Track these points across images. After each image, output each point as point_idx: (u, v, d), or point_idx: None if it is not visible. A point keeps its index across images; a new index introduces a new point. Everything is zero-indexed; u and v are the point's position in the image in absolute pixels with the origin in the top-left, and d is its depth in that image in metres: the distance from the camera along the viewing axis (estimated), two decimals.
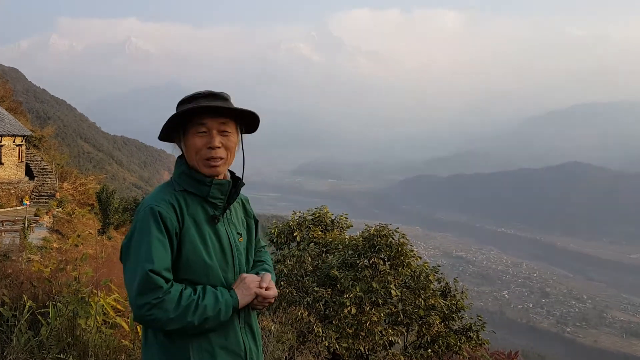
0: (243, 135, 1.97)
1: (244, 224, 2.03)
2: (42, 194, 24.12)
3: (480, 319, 7.90)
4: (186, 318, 1.66)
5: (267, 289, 1.87)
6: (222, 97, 1.86)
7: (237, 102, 1.94)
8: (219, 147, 1.83)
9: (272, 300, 1.90)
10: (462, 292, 8.07)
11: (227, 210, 1.93)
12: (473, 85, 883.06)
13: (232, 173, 1.98)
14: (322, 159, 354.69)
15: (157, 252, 1.69)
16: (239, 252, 1.92)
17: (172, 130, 1.88)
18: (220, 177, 1.89)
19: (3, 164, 23.10)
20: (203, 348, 1.77)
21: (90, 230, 17.56)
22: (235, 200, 1.99)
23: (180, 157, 1.91)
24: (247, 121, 1.95)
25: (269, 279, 1.91)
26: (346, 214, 9.75)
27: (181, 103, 1.87)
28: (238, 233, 1.95)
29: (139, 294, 1.64)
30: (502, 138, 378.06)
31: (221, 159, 1.84)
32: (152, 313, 1.64)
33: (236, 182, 1.95)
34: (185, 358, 1.76)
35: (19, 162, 24.22)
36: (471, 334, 7.58)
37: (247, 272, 1.94)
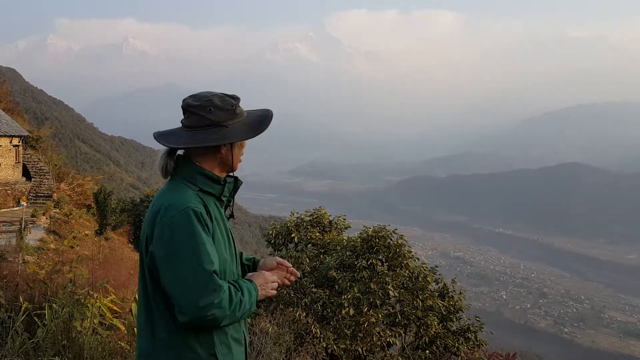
0: None
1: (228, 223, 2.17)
2: (39, 194, 24.05)
3: (478, 320, 7.89)
4: (235, 314, 1.78)
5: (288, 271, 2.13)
6: None
7: None
8: None
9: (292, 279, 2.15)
10: (460, 293, 8.07)
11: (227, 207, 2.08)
12: (471, 86, 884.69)
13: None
14: (320, 159, 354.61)
15: (212, 253, 1.77)
16: (235, 243, 2.07)
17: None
18: None
19: (0, 164, 23.04)
20: (222, 342, 1.87)
21: (87, 232, 17.53)
22: None
23: (185, 157, 1.94)
24: None
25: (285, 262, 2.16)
26: (344, 215, 9.74)
27: (237, 106, 1.97)
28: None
29: (202, 296, 1.69)
30: (500, 139, 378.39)
31: None
32: (214, 313, 1.71)
33: (236, 181, 2.06)
34: (210, 354, 1.83)
35: (15, 162, 24.15)
36: (469, 335, 7.57)
37: (238, 262, 2.08)
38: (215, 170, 1.96)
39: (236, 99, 1.97)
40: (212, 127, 1.89)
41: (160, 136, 1.95)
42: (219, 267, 1.79)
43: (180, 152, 1.96)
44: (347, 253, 7.72)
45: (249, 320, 5.71)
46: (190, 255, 1.73)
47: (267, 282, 1.97)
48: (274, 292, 2.00)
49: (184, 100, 1.95)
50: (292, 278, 2.14)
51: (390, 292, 7.15)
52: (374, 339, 6.83)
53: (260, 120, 1.99)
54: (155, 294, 1.83)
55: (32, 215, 19.04)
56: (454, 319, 7.74)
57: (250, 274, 2.02)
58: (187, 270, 1.71)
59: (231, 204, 2.07)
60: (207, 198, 1.91)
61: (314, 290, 7.39)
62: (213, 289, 1.71)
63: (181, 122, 1.96)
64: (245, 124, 1.96)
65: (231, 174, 2.04)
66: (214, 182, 1.93)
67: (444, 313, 7.58)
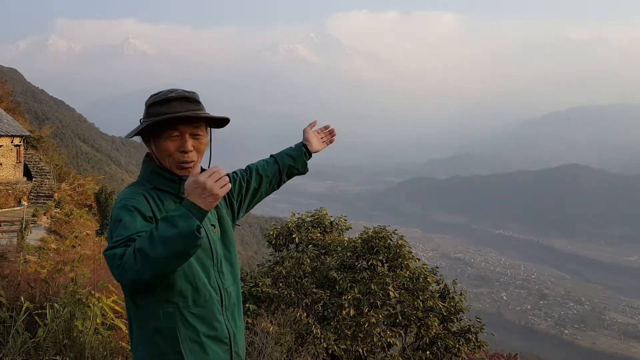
0: (212, 130, 2.00)
1: (214, 216, 2.02)
2: (40, 194, 24.07)
3: (479, 321, 7.89)
4: (149, 257, 1.52)
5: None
6: (194, 99, 1.88)
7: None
8: (191, 151, 1.87)
9: None
10: (461, 294, 8.06)
11: None
12: (472, 87, 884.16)
13: (202, 169, 1.96)
14: (320, 160, 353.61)
15: (121, 226, 1.67)
16: (214, 242, 1.93)
17: (141, 131, 1.90)
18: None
19: (1, 164, 23.07)
20: (191, 339, 1.79)
21: (88, 231, 17.54)
22: None
23: (148, 156, 1.95)
24: (217, 121, 1.97)
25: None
26: (345, 216, 9.73)
27: (153, 104, 1.88)
28: (212, 225, 1.96)
29: (112, 270, 1.61)
30: (500, 140, 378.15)
31: (192, 161, 1.88)
32: (125, 277, 1.55)
33: None
34: (176, 350, 1.77)
35: (17, 162, 24.18)
36: (470, 336, 7.57)
37: (224, 263, 1.96)
38: (175, 172, 1.88)
39: (179, 98, 1.85)
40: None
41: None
42: (127, 234, 1.65)
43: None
44: (348, 254, 7.72)
45: (249, 320, 5.71)
46: (108, 239, 1.71)
47: (202, 187, 1.59)
48: (224, 190, 1.63)
49: None
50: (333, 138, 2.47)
51: (391, 293, 7.15)
52: (375, 340, 6.83)
53: (149, 120, 1.86)
54: (124, 288, 1.81)
55: (33, 215, 19.07)
56: (455, 320, 7.74)
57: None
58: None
59: None
60: (164, 195, 1.87)
61: (314, 290, 7.39)
62: (113, 264, 1.58)
63: None
64: (145, 120, 1.87)
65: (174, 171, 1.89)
66: (167, 181, 1.88)
67: (445, 314, 7.58)
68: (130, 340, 1.88)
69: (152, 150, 1.91)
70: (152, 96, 1.93)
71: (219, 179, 1.60)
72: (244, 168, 2.31)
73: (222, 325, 1.88)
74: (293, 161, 2.36)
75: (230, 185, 1.64)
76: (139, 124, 1.91)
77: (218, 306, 1.88)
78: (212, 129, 1.99)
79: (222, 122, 1.98)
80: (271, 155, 2.40)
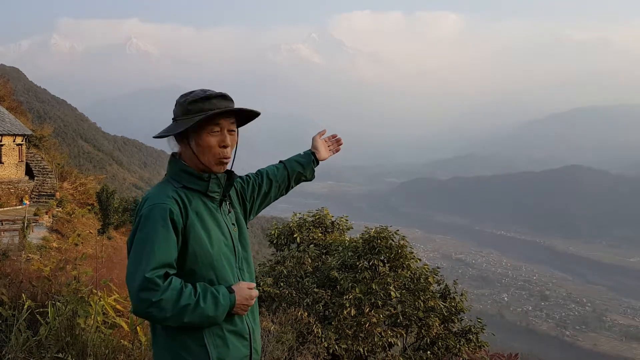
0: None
1: (233, 215, 2.12)
2: (42, 193, 24.11)
3: (479, 321, 7.90)
4: (183, 318, 1.75)
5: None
6: (229, 97, 1.98)
7: (237, 103, 2.03)
8: (229, 146, 1.97)
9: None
10: (462, 295, 8.07)
11: (224, 202, 2.06)
12: (474, 88, 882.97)
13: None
14: (322, 161, 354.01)
15: (160, 249, 1.76)
16: (236, 240, 2.04)
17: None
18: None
19: (3, 163, 23.10)
20: (215, 333, 1.87)
21: (90, 230, 17.57)
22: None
23: (174, 155, 2.00)
24: (244, 118, 2.07)
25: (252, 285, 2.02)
26: (347, 216, 9.73)
27: (194, 102, 1.92)
28: (232, 224, 2.07)
29: (140, 290, 1.71)
30: (502, 141, 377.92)
31: (228, 157, 1.99)
32: (151, 311, 1.72)
33: (230, 175, 2.04)
34: (201, 344, 1.85)
35: (19, 161, 24.22)
36: (470, 336, 7.57)
37: (244, 261, 2.06)
38: (214, 168, 1.96)
39: (218, 96, 1.94)
40: (172, 122, 1.98)
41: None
42: (166, 263, 1.78)
43: (174, 149, 2.02)
44: (349, 254, 7.72)
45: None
46: (139, 250, 1.77)
47: (245, 297, 1.91)
48: (246, 310, 1.93)
49: None
50: (339, 147, 2.57)
51: (392, 293, 7.16)
52: (376, 340, 6.83)
53: (190, 118, 1.92)
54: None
55: (35, 214, 19.09)
56: (456, 320, 7.75)
57: (234, 285, 1.92)
58: (133, 264, 1.76)
59: (226, 199, 2.05)
60: (191, 194, 1.93)
61: (316, 290, 7.40)
62: (149, 288, 1.71)
63: None
64: (184, 120, 1.92)
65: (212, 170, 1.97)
66: (196, 179, 1.94)
67: (446, 314, 7.58)
68: (153, 335, 1.93)
69: (191, 146, 1.94)
70: (184, 95, 1.98)
71: (252, 300, 1.92)
72: (255, 172, 2.39)
73: (243, 321, 1.96)
74: (302, 168, 2.44)
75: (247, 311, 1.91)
76: (173, 122, 1.97)
77: None
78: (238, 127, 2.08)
79: (246, 120, 2.11)
80: (280, 161, 2.47)
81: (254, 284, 2.00)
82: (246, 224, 2.21)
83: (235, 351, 1.92)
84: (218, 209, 2.00)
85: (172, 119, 1.99)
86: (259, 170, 2.40)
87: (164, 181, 1.98)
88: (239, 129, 2.07)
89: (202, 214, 1.92)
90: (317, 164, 2.49)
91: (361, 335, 6.84)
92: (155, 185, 1.99)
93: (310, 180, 2.52)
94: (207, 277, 1.88)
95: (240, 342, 1.94)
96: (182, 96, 1.99)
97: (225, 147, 1.94)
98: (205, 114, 1.88)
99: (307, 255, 8.01)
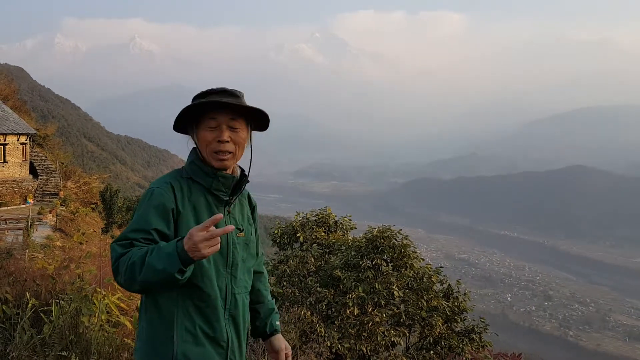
0: (253, 132, 2.02)
1: (249, 221, 2.10)
2: (46, 192, 24.19)
3: (482, 321, 7.88)
4: (135, 277, 1.64)
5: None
6: (233, 94, 1.92)
7: None
8: (227, 142, 1.90)
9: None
10: (465, 294, 8.04)
11: (231, 205, 1.99)
12: (477, 87, 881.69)
13: (241, 170, 2.05)
14: (324, 161, 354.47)
15: (136, 222, 1.79)
16: (234, 246, 1.96)
17: (186, 123, 1.96)
18: (228, 171, 1.96)
19: (7, 162, 23.18)
20: (186, 329, 1.82)
21: (94, 229, 17.61)
22: (242, 196, 2.08)
23: (195, 149, 1.99)
24: (257, 119, 2.00)
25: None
26: (350, 216, 9.73)
27: (195, 98, 1.94)
28: (238, 228, 1.99)
29: (112, 264, 1.74)
30: (505, 141, 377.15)
31: (229, 152, 1.91)
32: (117, 279, 1.71)
33: (241, 179, 2.00)
34: (169, 336, 1.81)
35: (23, 160, 24.29)
36: (474, 336, 7.56)
37: (241, 269, 1.99)
38: (213, 163, 1.92)
39: (219, 91, 1.91)
40: None
41: None
42: (138, 229, 1.76)
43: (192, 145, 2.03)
44: (352, 253, 7.72)
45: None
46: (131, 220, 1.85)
47: (193, 242, 1.60)
48: (211, 250, 1.63)
49: None
50: None
51: (395, 292, 7.15)
52: (378, 339, 6.83)
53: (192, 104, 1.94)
54: None
55: (39, 213, 19.16)
56: (459, 320, 7.73)
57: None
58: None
59: (232, 201, 1.98)
60: (195, 187, 1.91)
61: (318, 289, 7.40)
62: (112, 256, 1.72)
63: None
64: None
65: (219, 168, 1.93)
66: (203, 173, 1.92)
67: (449, 314, 7.57)
68: (139, 317, 1.95)
69: (195, 141, 1.97)
70: (216, 91, 1.99)
71: (212, 240, 1.61)
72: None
73: (221, 328, 1.89)
74: (257, 316, 2.24)
75: (219, 247, 1.65)
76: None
77: (221, 309, 1.89)
78: (252, 132, 2.02)
79: (262, 123, 2.02)
80: (268, 295, 2.31)
81: (215, 226, 1.67)
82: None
83: (207, 355, 1.84)
84: (222, 209, 1.94)
85: None
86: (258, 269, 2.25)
87: (176, 169, 1.99)
88: (255, 132, 2.02)
89: (200, 208, 1.88)
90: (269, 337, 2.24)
91: (364, 334, 6.84)
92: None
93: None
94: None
95: (214, 349, 1.87)
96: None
97: (220, 142, 1.89)
98: (187, 106, 1.89)
99: (310, 255, 8.01)
